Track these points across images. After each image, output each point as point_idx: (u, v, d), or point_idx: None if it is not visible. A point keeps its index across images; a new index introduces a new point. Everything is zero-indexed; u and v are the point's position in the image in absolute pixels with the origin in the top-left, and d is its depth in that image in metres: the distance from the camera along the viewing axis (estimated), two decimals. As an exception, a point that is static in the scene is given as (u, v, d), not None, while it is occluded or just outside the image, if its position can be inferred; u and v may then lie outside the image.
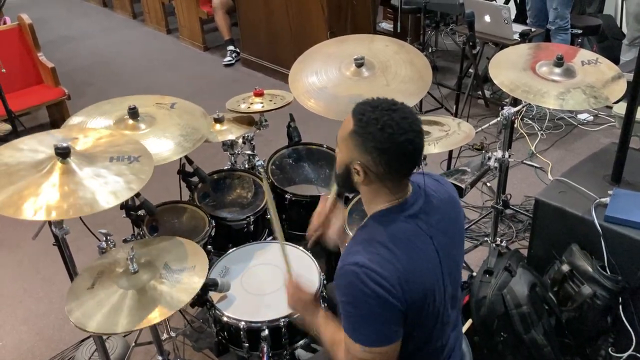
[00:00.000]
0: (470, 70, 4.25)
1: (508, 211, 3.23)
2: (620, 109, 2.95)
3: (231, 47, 5.48)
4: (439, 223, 1.52)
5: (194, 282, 1.69)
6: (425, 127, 2.37)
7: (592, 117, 4.17)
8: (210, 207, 2.35)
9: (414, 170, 1.47)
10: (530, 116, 4.22)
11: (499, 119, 2.42)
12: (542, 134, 4.04)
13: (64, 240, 1.91)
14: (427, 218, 1.49)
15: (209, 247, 2.18)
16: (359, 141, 1.40)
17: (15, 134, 2.21)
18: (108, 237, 1.99)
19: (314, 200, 2.39)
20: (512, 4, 5.06)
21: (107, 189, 1.64)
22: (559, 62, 2.23)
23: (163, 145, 2.01)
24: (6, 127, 4.30)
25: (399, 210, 1.47)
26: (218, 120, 2.40)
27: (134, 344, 2.46)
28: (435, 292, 1.48)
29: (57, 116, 4.35)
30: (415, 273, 1.42)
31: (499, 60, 2.38)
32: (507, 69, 2.31)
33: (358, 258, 1.40)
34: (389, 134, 1.37)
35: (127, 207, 1.99)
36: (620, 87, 2.18)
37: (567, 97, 2.13)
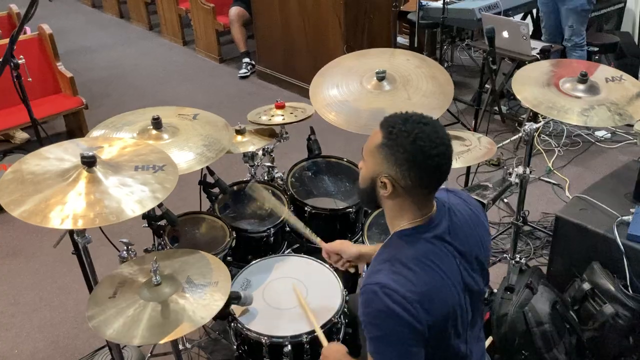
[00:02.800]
0: (487, 85, 4.25)
1: (526, 228, 3.21)
2: (643, 126, 2.93)
3: (247, 60, 5.52)
4: (464, 244, 1.49)
5: (217, 298, 1.68)
6: (446, 142, 2.40)
7: (609, 134, 4.14)
8: (230, 218, 2.35)
9: (441, 184, 1.45)
10: (548, 132, 4.20)
11: (520, 134, 2.41)
12: (559, 151, 4.02)
13: (86, 249, 1.92)
14: (452, 239, 1.47)
15: (229, 258, 2.17)
16: (388, 153, 1.38)
17: (39, 141, 2.22)
18: (129, 247, 1.99)
19: (334, 214, 2.38)
20: (528, 20, 5.07)
21: (132, 198, 1.64)
22: (583, 78, 2.22)
23: (186, 155, 2.01)
24: (23, 135, 4.34)
25: (424, 230, 1.45)
26: (239, 132, 2.41)
27: (149, 354, 2.45)
28: (457, 313, 1.46)
29: (74, 125, 4.38)
30: (438, 295, 1.41)
31: (522, 76, 2.37)
32: (530, 85, 2.30)
33: (380, 277, 1.39)
34: (420, 147, 1.35)
35: (149, 216, 1.99)
36: (646, 105, 2.16)
37: (592, 113, 2.12)
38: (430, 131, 1.37)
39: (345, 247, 1.86)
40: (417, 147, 1.35)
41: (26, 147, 4.20)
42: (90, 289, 2.27)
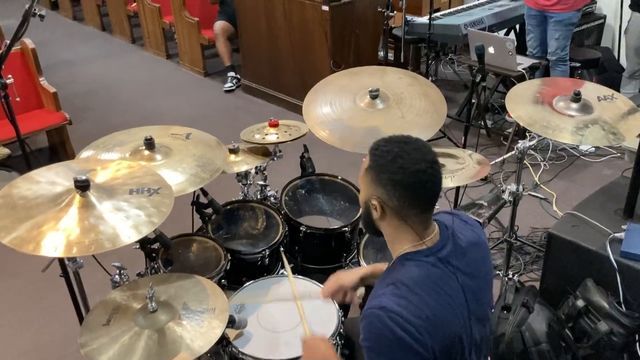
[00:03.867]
0: (473, 100, 4.28)
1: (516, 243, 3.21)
2: (631, 143, 2.97)
3: (232, 73, 5.49)
4: (468, 267, 1.48)
5: (215, 326, 1.64)
6: (440, 160, 2.38)
7: (594, 148, 4.19)
8: (223, 239, 2.30)
9: (433, 205, 1.44)
10: (533, 146, 4.23)
11: (514, 152, 2.41)
12: (545, 165, 4.05)
13: (77, 274, 1.86)
14: (457, 262, 1.45)
15: (223, 281, 2.12)
16: (373, 175, 1.40)
17: (26, 162, 2.16)
18: (122, 271, 1.94)
19: (329, 233, 2.36)
20: (512, 35, 5.12)
21: (128, 223, 1.60)
22: (576, 97, 2.23)
23: (180, 177, 1.97)
24: (4, 151, 4.24)
25: (428, 253, 1.43)
26: (233, 151, 2.38)
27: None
28: (463, 338, 1.44)
29: (57, 140, 4.29)
30: (443, 319, 1.39)
31: (515, 94, 2.39)
32: (524, 104, 2.31)
33: (384, 301, 1.36)
34: (400, 164, 1.36)
35: (143, 239, 1.94)
36: (639, 123, 2.18)
37: (586, 132, 2.14)
38: (411, 149, 1.38)
39: (342, 281, 1.81)
40: (396, 165, 1.36)
41: (7, 163, 4.11)
42: (79, 312, 2.21)
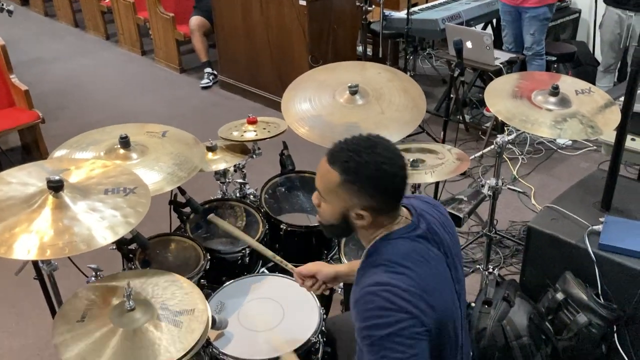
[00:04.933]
0: (451, 95, 4.29)
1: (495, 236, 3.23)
2: (607, 136, 2.99)
3: (208, 70, 5.42)
4: (444, 243, 1.50)
5: (194, 329, 1.60)
6: (419, 156, 2.39)
7: (570, 142, 4.23)
8: (202, 238, 2.27)
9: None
10: (511, 141, 4.26)
11: (493, 147, 2.42)
12: (522, 159, 4.08)
13: (52, 276, 1.82)
14: (435, 238, 1.48)
15: (203, 281, 2.09)
16: (354, 188, 1.38)
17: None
18: (98, 273, 1.90)
19: (310, 231, 2.34)
20: (489, 30, 5.15)
21: (103, 224, 1.56)
22: (555, 91, 2.24)
23: (157, 175, 1.93)
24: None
25: (408, 231, 1.45)
26: (211, 149, 2.34)
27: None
28: (453, 312, 1.46)
29: (29, 139, 4.19)
30: (436, 292, 1.40)
31: (494, 89, 2.39)
32: (503, 98, 2.31)
33: (377, 278, 1.36)
34: (385, 170, 1.37)
35: (119, 240, 1.89)
36: (616, 117, 2.20)
37: (565, 126, 2.15)
38: (383, 151, 1.38)
39: (319, 267, 1.80)
40: (381, 172, 1.36)
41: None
42: (54, 315, 2.16)
